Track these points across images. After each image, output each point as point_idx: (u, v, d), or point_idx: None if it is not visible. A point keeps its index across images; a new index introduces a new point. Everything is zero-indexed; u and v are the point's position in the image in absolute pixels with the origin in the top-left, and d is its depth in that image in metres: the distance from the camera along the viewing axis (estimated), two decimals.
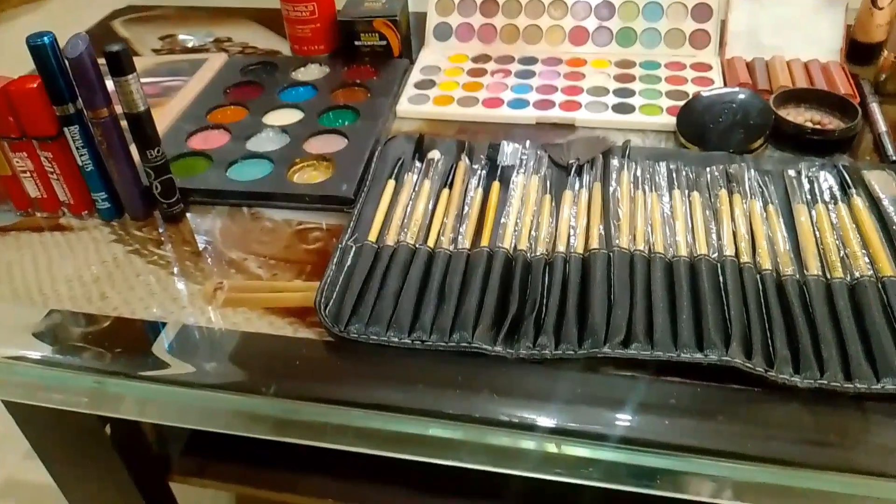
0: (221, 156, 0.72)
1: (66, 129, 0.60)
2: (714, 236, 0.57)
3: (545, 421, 0.47)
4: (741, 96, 0.72)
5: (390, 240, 0.59)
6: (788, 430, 0.46)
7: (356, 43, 0.88)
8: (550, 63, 0.86)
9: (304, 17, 0.87)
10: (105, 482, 0.77)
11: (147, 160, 0.62)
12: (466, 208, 0.62)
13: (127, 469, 0.74)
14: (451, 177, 0.66)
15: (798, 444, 0.45)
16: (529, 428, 0.47)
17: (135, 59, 0.58)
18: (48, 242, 0.64)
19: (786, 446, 0.45)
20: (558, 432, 0.47)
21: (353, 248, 0.59)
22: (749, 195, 0.61)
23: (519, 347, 0.51)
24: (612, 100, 0.78)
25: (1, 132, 0.62)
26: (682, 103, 0.74)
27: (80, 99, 0.59)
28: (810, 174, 0.64)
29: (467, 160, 0.68)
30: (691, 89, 0.79)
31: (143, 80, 0.60)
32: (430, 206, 0.63)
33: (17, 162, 0.64)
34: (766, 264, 0.54)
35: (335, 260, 0.58)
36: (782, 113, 0.71)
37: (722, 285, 0.53)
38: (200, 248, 0.63)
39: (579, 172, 0.65)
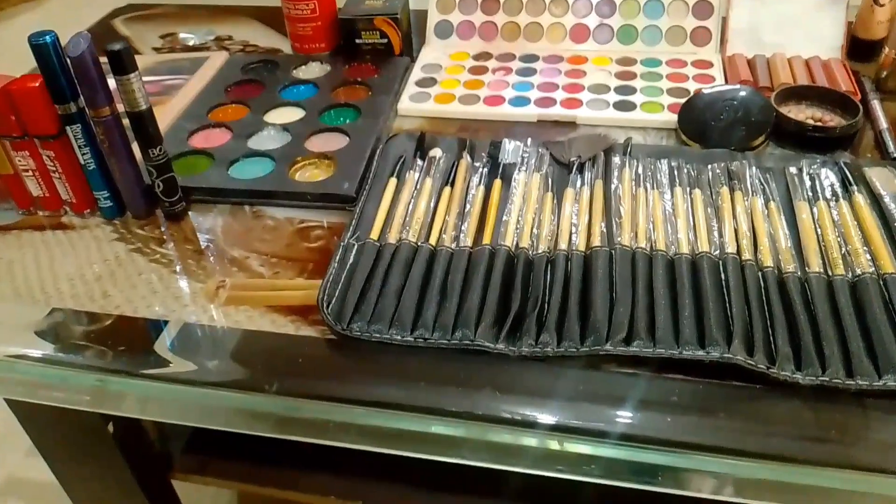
0: (223, 154, 0.72)
1: (67, 128, 0.60)
2: (716, 234, 0.58)
3: (547, 418, 0.47)
4: (742, 93, 0.72)
5: (392, 238, 0.59)
6: (789, 427, 0.46)
7: (357, 41, 0.88)
8: (551, 61, 0.86)
9: (305, 15, 0.87)
10: (107, 480, 0.77)
11: (149, 159, 0.62)
12: (468, 206, 0.62)
13: (129, 467, 0.74)
14: (452, 175, 0.66)
15: (799, 441, 0.45)
16: (531, 425, 0.47)
17: (135, 57, 0.58)
18: (50, 241, 0.65)
19: (786, 443, 0.45)
20: (560, 429, 0.47)
21: (355, 247, 0.59)
22: (750, 192, 0.61)
23: (521, 345, 0.51)
24: (613, 97, 0.78)
25: (3, 131, 0.62)
26: (683, 101, 0.74)
27: (81, 98, 0.59)
28: (811, 171, 0.64)
29: (469, 158, 0.68)
30: (692, 87, 0.79)
31: (143, 78, 0.60)
32: (432, 204, 0.63)
33: (19, 161, 0.64)
34: (768, 261, 0.55)
35: (337, 258, 0.58)
36: (783, 110, 0.71)
37: (724, 282, 0.53)
38: (202, 247, 0.63)
39: (581, 170, 0.65)
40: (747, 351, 0.48)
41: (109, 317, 0.56)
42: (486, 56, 0.88)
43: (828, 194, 0.62)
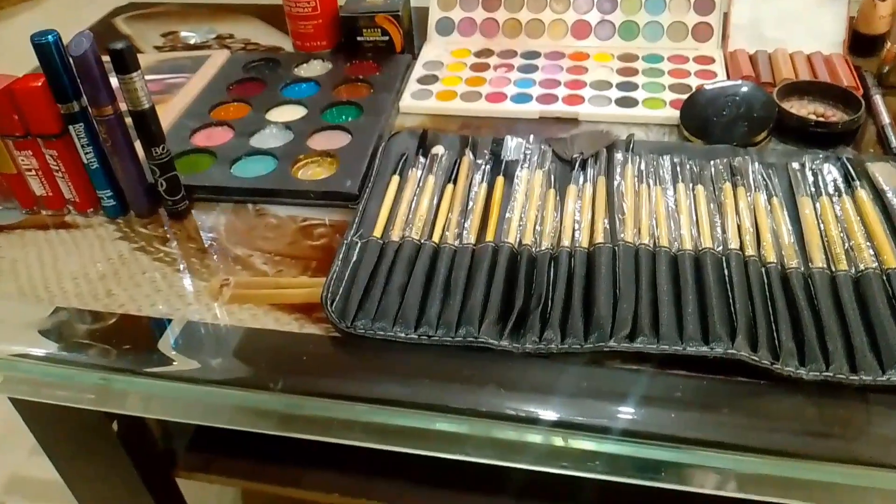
0: (225, 152, 0.72)
1: (70, 127, 0.60)
2: (718, 229, 0.58)
3: (551, 414, 0.47)
4: (744, 89, 0.72)
5: (395, 235, 0.59)
6: (793, 423, 0.46)
7: (358, 38, 0.88)
8: (553, 57, 0.86)
9: (306, 12, 0.87)
10: (111, 478, 0.78)
11: (152, 157, 0.62)
12: (471, 203, 0.62)
13: (133, 465, 0.74)
14: (455, 172, 0.66)
15: (802, 437, 0.45)
16: (535, 421, 0.47)
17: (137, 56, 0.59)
18: (54, 240, 0.65)
19: (790, 438, 0.45)
20: (564, 426, 0.47)
21: (359, 244, 0.59)
22: (753, 188, 0.61)
23: (525, 342, 0.51)
24: (615, 94, 0.78)
25: (6, 131, 0.62)
26: (685, 97, 0.74)
27: (84, 97, 0.59)
28: (814, 167, 0.64)
29: (471, 155, 0.68)
30: (694, 82, 0.79)
31: (145, 77, 0.60)
32: (435, 202, 0.63)
33: (22, 160, 0.64)
34: (771, 257, 0.55)
35: (340, 256, 0.58)
36: (786, 106, 0.71)
37: (727, 278, 0.53)
38: (206, 245, 0.63)
39: (583, 167, 0.65)
40: (751, 346, 0.48)
41: (113, 315, 0.57)
42: (487, 53, 0.88)
43: (830, 190, 0.62)
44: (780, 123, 0.70)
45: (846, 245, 0.56)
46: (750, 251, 0.55)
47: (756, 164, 0.64)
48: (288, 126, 0.76)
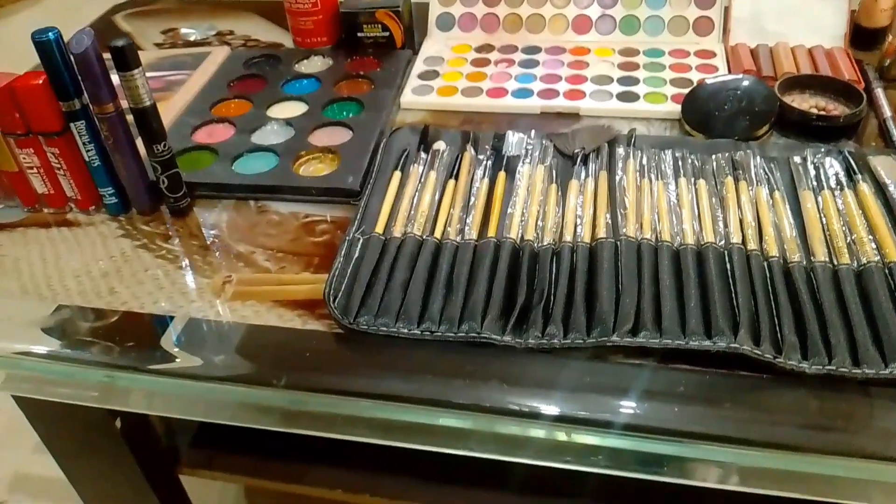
0: (227, 149, 0.72)
1: (72, 125, 0.60)
2: (721, 224, 0.57)
3: (554, 409, 0.47)
4: (746, 83, 0.72)
5: (397, 231, 0.59)
6: (795, 416, 0.46)
7: (359, 34, 0.88)
8: (554, 52, 0.86)
9: (307, 8, 0.87)
10: (115, 475, 0.78)
11: (153, 155, 0.62)
12: (472, 199, 0.62)
13: (136, 462, 0.75)
14: (456, 167, 0.66)
15: (804, 430, 0.45)
16: (538, 416, 0.47)
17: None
18: (56, 238, 0.65)
19: (792, 432, 0.45)
20: (567, 420, 0.47)
21: (361, 241, 0.59)
22: (755, 182, 0.61)
23: (527, 337, 0.51)
24: (616, 88, 0.78)
25: (7, 128, 0.62)
26: (686, 91, 0.74)
27: (85, 94, 0.59)
28: (816, 160, 0.64)
29: (472, 151, 0.68)
30: (696, 77, 0.79)
31: (146, 74, 0.60)
32: (437, 198, 0.63)
33: (24, 158, 0.64)
34: (773, 251, 0.55)
35: (343, 252, 0.58)
36: (787, 99, 0.71)
37: (729, 272, 0.53)
38: (208, 242, 0.63)
39: (585, 161, 0.65)
40: (753, 340, 0.48)
41: (116, 313, 0.57)
42: (488, 48, 0.88)
43: (832, 183, 0.62)
44: (781, 117, 0.70)
45: (848, 239, 0.56)
46: (752, 245, 0.55)
47: (758, 158, 0.64)
48: (289, 122, 0.76)
